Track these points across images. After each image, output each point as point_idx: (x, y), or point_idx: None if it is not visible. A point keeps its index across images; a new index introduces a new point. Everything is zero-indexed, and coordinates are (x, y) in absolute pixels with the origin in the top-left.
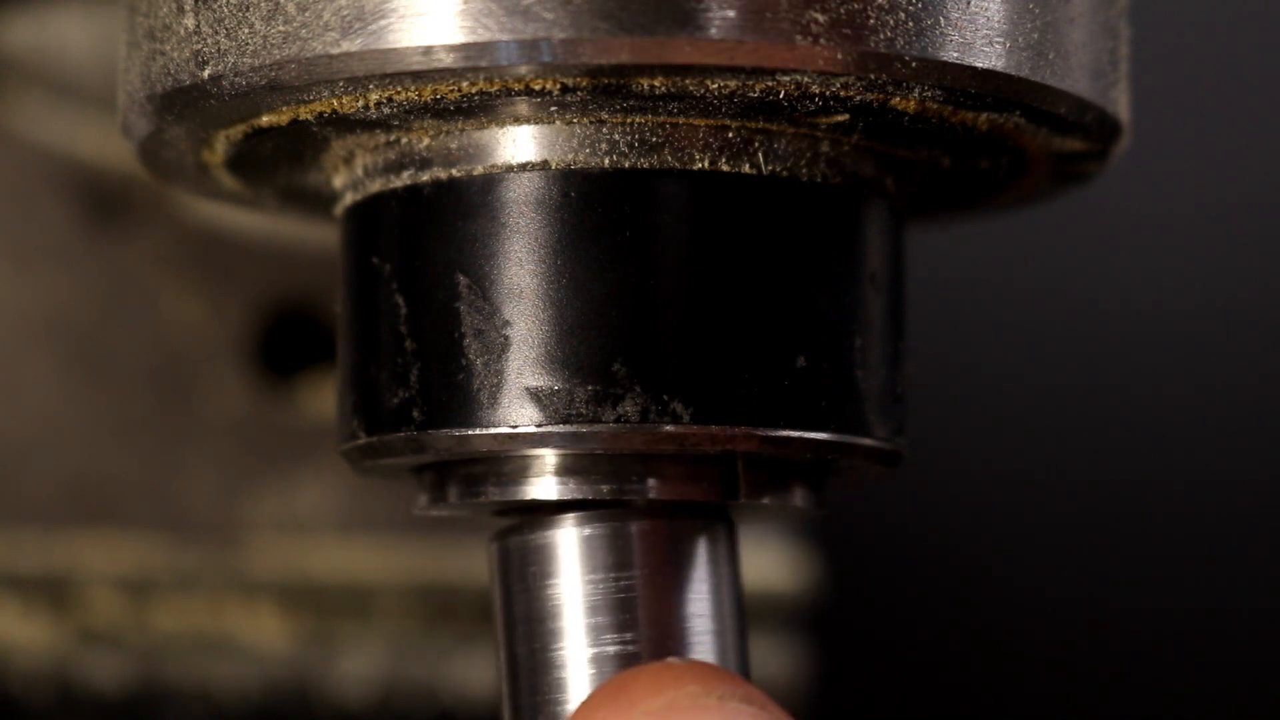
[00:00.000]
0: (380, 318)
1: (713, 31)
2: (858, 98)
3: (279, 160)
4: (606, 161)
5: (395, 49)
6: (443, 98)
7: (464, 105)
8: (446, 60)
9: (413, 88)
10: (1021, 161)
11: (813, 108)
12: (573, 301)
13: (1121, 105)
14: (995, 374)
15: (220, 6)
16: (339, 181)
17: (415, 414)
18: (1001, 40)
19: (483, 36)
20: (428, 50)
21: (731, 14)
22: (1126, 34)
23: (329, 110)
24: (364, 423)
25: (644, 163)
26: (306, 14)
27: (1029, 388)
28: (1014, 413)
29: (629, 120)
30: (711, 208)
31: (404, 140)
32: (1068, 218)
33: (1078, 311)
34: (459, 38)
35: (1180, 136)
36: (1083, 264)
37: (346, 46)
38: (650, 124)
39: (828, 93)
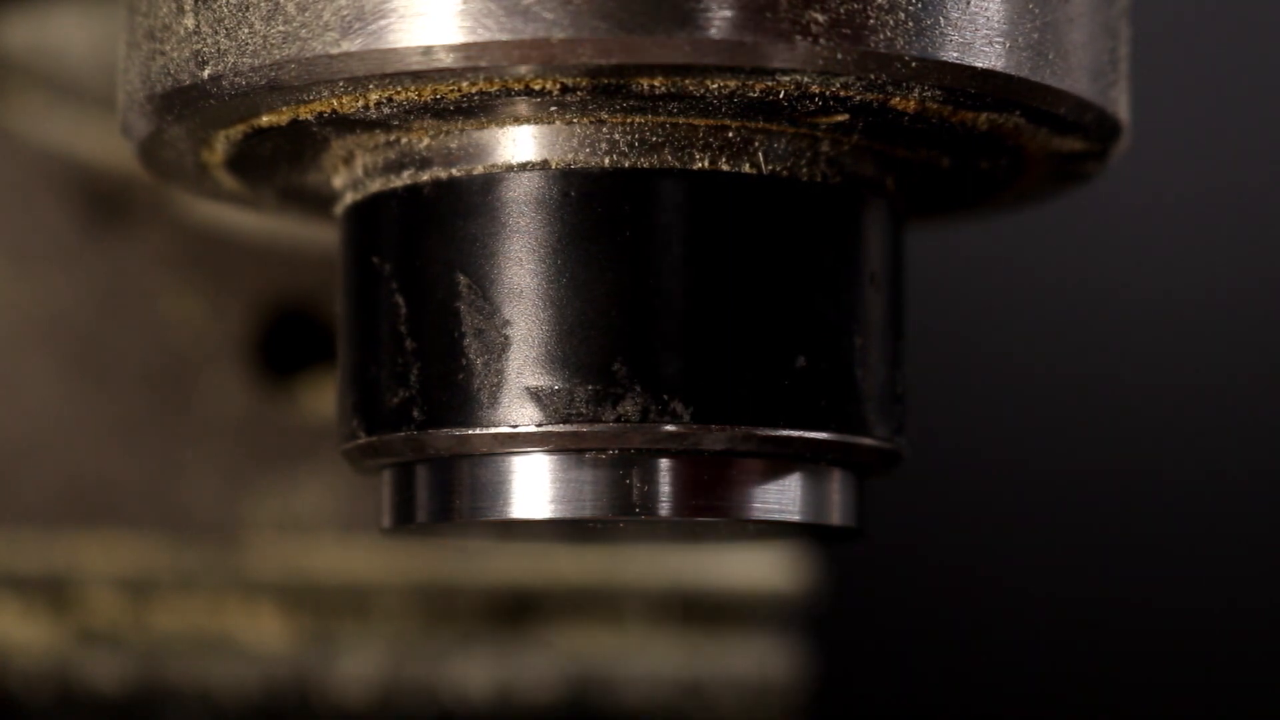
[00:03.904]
0: (380, 317)
1: (712, 31)
2: (857, 98)
3: (279, 160)
4: (606, 161)
5: (395, 49)
6: (442, 98)
7: (464, 105)
8: (446, 60)
9: (412, 88)
10: (1021, 161)
11: (813, 108)
12: (572, 301)
13: (1121, 105)
14: (995, 374)
15: (220, 6)
16: (339, 181)
17: (415, 413)
18: (1001, 40)
19: (482, 36)
20: (427, 50)
21: (731, 13)
22: (1126, 34)
23: (329, 110)
24: (364, 422)
25: (644, 162)
26: (306, 14)
27: (1029, 387)
28: (1014, 412)
29: (629, 120)
30: (711, 207)
31: (404, 140)
32: (1068, 218)
33: (1078, 311)
34: (459, 37)
35: (1180, 136)
36: (1083, 264)
37: (346, 46)
38: (650, 124)
39: (828, 93)
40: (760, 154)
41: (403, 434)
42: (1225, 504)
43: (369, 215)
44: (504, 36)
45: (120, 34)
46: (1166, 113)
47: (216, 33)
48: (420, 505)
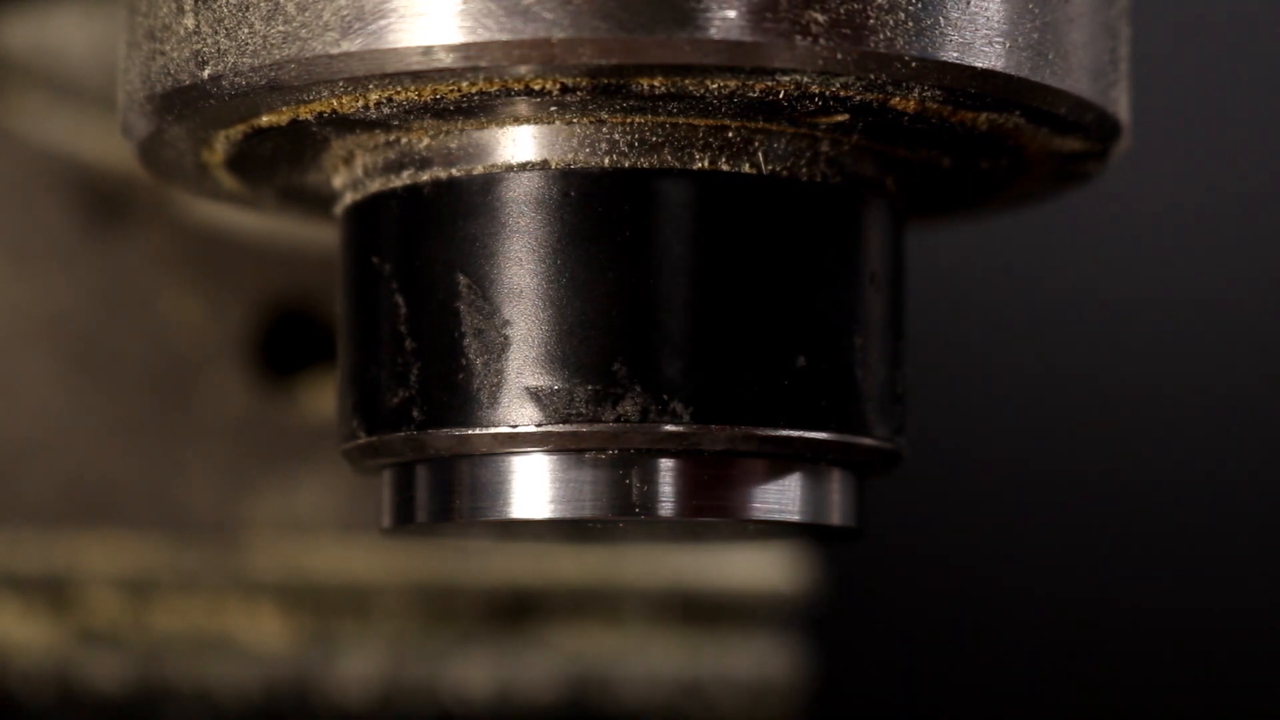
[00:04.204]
0: (380, 317)
1: (712, 31)
2: (858, 98)
3: (279, 160)
4: (606, 161)
5: (395, 49)
6: (442, 98)
7: (464, 105)
8: (446, 60)
9: (412, 88)
10: (1021, 161)
11: (813, 108)
12: (573, 301)
13: (1121, 105)
14: (995, 374)
15: (220, 6)
16: (339, 181)
17: (415, 413)
18: (1001, 40)
19: (482, 36)
20: (427, 50)
21: (731, 14)
22: (1126, 34)
23: (329, 110)
24: (364, 422)
25: (644, 162)
26: (306, 14)
27: (1029, 387)
28: (1014, 412)
29: (629, 120)
30: (711, 207)
31: (404, 140)
32: (1068, 218)
33: (1078, 311)
34: (459, 37)
35: (1180, 136)
36: (1083, 264)
37: (346, 46)
38: (650, 124)
39: (828, 93)
40: (760, 154)
41: (403, 434)
42: (1225, 504)
43: (369, 215)
44: (504, 36)
45: (120, 34)
46: (1166, 113)
47: (216, 33)
48: (420, 505)
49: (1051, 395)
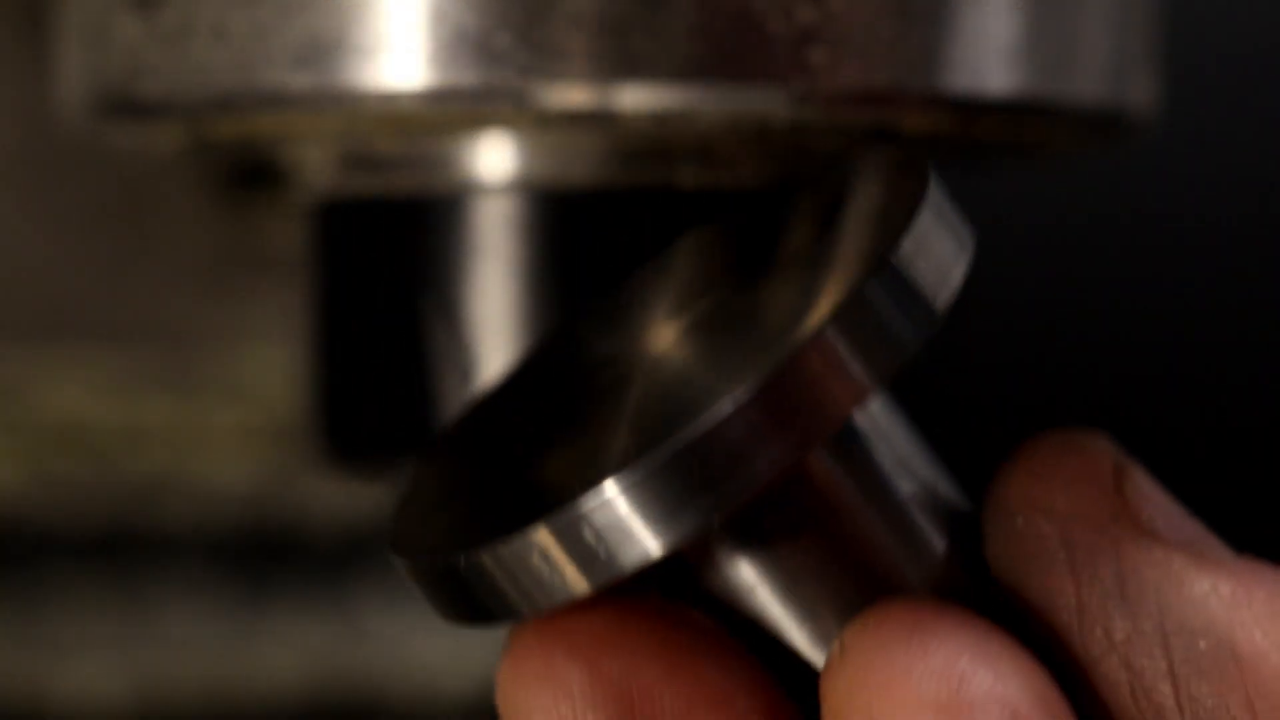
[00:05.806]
0: (349, 327)
1: (695, 72)
2: (859, 128)
3: (259, 163)
4: (589, 175)
5: (355, 89)
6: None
7: (440, 124)
8: (412, 105)
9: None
10: (1024, 161)
11: (811, 134)
12: (554, 317)
13: (1126, 104)
14: (997, 373)
15: (198, 18)
16: (317, 185)
17: (382, 428)
18: (1004, 41)
19: (450, 80)
20: (392, 94)
21: (719, 52)
22: (1135, 33)
23: (305, 120)
24: (328, 438)
25: (627, 176)
26: (279, 32)
27: (1030, 387)
28: (1015, 412)
29: (612, 135)
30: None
31: (381, 147)
32: (1068, 216)
33: (1083, 310)
34: (427, 82)
35: (1181, 137)
36: (1085, 263)
37: (304, 80)
38: (634, 138)
39: (827, 124)
40: (749, 167)
41: (372, 448)
42: (1226, 503)
43: (339, 221)
44: (472, 80)
45: (103, 36)
46: (1172, 110)
47: (198, 43)
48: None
49: (1053, 395)
